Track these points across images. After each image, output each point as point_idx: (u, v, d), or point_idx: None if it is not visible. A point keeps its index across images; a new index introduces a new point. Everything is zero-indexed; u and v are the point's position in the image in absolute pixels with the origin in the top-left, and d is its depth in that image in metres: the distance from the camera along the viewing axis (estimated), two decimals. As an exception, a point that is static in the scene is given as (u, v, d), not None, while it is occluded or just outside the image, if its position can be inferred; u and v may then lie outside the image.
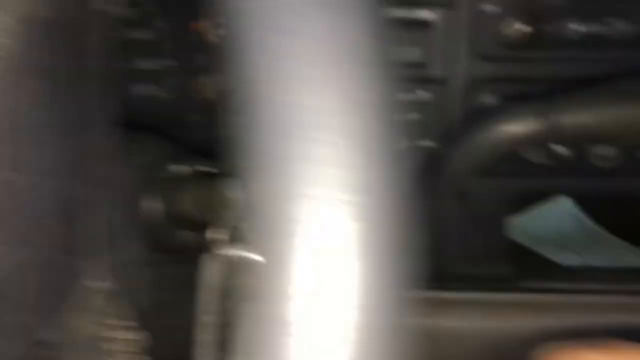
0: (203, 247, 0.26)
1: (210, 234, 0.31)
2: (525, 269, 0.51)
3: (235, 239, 0.21)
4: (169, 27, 0.53)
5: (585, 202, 0.55)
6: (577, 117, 0.32)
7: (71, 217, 0.23)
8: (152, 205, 0.33)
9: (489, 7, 0.44)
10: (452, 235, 0.49)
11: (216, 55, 0.56)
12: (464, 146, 0.35)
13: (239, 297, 0.16)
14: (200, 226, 0.33)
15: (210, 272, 0.25)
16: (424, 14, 0.45)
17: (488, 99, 0.46)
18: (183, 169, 0.37)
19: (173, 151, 0.37)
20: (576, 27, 0.44)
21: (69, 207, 0.23)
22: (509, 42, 0.45)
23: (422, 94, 0.46)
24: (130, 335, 0.26)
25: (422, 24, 0.45)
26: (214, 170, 0.38)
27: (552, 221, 0.60)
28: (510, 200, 0.49)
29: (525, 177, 0.48)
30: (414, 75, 0.46)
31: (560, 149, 0.44)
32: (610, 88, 0.33)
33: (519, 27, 0.45)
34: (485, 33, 0.45)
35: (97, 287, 0.24)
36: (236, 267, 0.17)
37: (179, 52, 0.53)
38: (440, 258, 0.49)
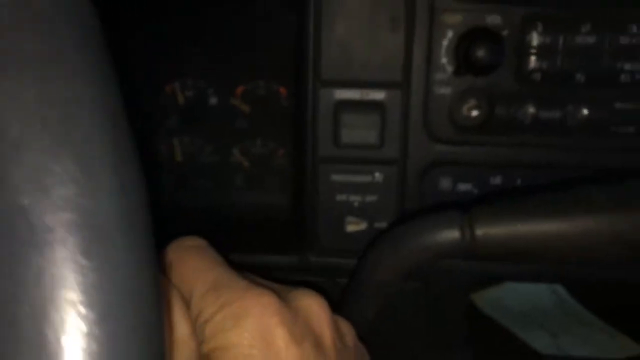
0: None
1: None
2: (493, 356, 0.49)
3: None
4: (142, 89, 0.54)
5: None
6: (504, 229, 0.31)
7: None
8: None
9: (443, 90, 0.44)
10: (412, 323, 0.48)
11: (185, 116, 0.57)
12: (386, 252, 0.34)
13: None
14: None
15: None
16: (378, 95, 0.44)
17: (443, 182, 0.45)
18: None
19: None
20: (531, 112, 0.43)
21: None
22: (464, 125, 0.44)
23: (378, 176, 0.46)
24: None
25: (377, 106, 0.44)
26: None
27: (531, 296, 0.58)
28: (471, 284, 0.47)
29: (489, 261, 0.47)
30: (370, 157, 0.45)
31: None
32: (548, 195, 0.32)
33: (473, 111, 0.44)
34: (439, 115, 0.44)
35: None
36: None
37: (150, 113, 0.55)
38: (402, 348, 0.48)
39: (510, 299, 0.59)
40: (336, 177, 0.46)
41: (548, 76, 0.42)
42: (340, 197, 0.46)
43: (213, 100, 0.56)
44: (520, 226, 0.31)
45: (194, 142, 0.57)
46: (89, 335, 0.13)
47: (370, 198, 0.46)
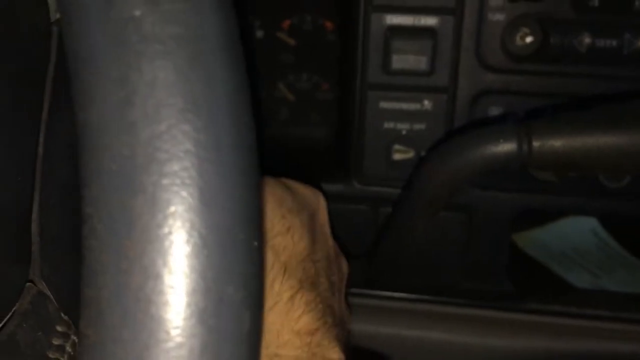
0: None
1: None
2: (531, 287, 0.49)
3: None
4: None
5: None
6: (562, 142, 0.30)
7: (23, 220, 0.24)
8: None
9: (497, 16, 0.43)
10: (453, 248, 0.48)
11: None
12: (439, 163, 0.34)
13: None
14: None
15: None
16: (430, 21, 0.44)
17: (494, 111, 0.45)
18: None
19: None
20: (587, 41, 0.42)
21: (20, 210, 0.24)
22: (516, 53, 0.44)
23: (428, 104, 0.46)
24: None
25: (428, 32, 0.44)
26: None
27: (571, 237, 0.58)
28: (515, 216, 0.47)
29: (532, 194, 0.47)
30: (420, 84, 0.45)
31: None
32: (606, 109, 0.32)
33: (526, 38, 0.43)
34: (492, 43, 0.44)
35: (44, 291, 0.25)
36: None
37: None
38: (439, 271, 0.49)
39: (551, 240, 0.58)
40: (385, 105, 0.46)
41: (605, 2, 0.41)
42: (388, 125, 0.46)
43: (259, 34, 0.56)
44: (579, 138, 0.30)
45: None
46: (195, 139, 0.13)
47: (419, 126, 0.46)
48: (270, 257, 0.27)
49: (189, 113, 0.13)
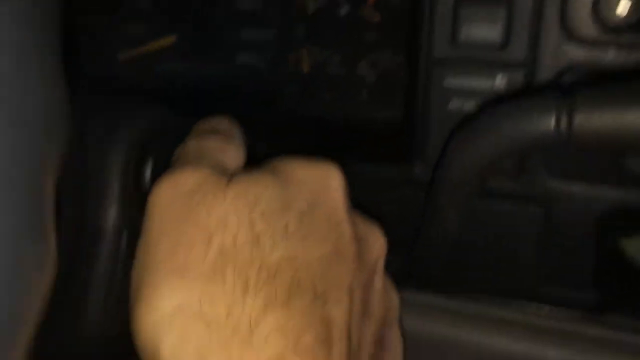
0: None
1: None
2: (622, 300, 0.42)
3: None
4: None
5: None
6: (605, 120, 0.24)
7: None
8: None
9: (586, -21, 0.37)
10: (527, 247, 0.42)
11: (314, 27, 0.56)
12: (464, 141, 0.29)
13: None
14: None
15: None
16: (507, -15, 0.38)
17: (579, 90, 0.39)
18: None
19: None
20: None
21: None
22: (611, 24, 0.37)
23: (501, 81, 0.40)
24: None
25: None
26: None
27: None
28: (606, 214, 0.40)
29: (626, 189, 0.40)
30: (493, 58, 0.40)
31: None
32: None
33: (623, 5, 0.36)
34: (581, 10, 0.37)
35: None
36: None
37: (281, 22, 0.54)
38: (514, 272, 0.43)
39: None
40: (451, 81, 0.41)
41: None
42: (454, 104, 0.41)
43: (344, 10, 0.54)
44: (629, 115, 0.24)
45: (322, 52, 0.55)
46: None
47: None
48: (229, 277, 0.23)
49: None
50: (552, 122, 0.26)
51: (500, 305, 0.41)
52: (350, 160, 0.41)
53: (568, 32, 0.38)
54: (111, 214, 0.30)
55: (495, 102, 0.32)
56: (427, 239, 0.35)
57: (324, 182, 0.28)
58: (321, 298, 0.24)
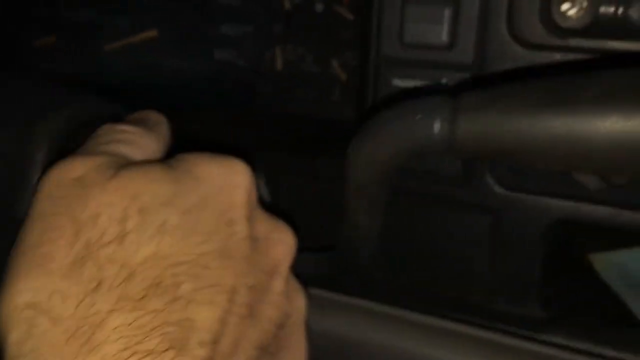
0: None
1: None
2: (566, 316, 0.40)
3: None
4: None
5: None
6: (489, 125, 0.23)
7: None
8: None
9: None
10: (480, 256, 0.41)
11: (290, 24, 0.56)
12: (359, 143, 0.28)
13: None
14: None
15: None
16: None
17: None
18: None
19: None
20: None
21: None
22: (559, 26, 0.35)
23: (449, 83, 0.39)
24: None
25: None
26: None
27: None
28: (553, 226, 0.39)
29: (573, 201, 0.38)
30: (439, 59, 0.39)
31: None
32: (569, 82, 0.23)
33: (572, 8, 0.35)
34: (529, 12, 0.36)
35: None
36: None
37: (259, 19, 0.54)
38: (459, 284, 0.42)
39: (637, 266, 0.48)
40: (399, 82, 0.40)
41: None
42: (402, 106, 0.40)
43: (319, 7, 0.53)
44: (514, 119, 0.23)
45: (296, 50, 0.55)
46: None
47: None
48: (86, 274, 0.23)
49: None
50: (437, 125, 0.25)
51: (425, 312, 0.40)
52: (323, 157, 0.40)
53: (515, 34, 0.36)
54: (24, 205, 0.31)
55: (395, 102, 0.31)
56: (346, 240, 0.35)
57: (227, 179, 0.27)
58: (185, 299, 0.23)
